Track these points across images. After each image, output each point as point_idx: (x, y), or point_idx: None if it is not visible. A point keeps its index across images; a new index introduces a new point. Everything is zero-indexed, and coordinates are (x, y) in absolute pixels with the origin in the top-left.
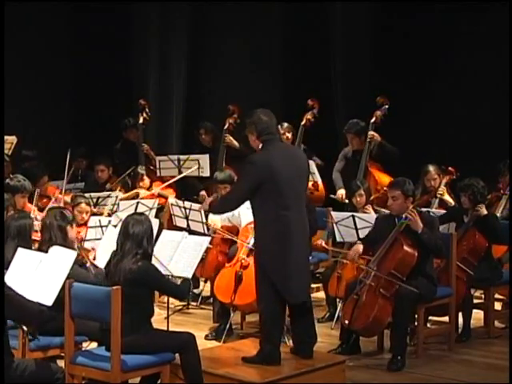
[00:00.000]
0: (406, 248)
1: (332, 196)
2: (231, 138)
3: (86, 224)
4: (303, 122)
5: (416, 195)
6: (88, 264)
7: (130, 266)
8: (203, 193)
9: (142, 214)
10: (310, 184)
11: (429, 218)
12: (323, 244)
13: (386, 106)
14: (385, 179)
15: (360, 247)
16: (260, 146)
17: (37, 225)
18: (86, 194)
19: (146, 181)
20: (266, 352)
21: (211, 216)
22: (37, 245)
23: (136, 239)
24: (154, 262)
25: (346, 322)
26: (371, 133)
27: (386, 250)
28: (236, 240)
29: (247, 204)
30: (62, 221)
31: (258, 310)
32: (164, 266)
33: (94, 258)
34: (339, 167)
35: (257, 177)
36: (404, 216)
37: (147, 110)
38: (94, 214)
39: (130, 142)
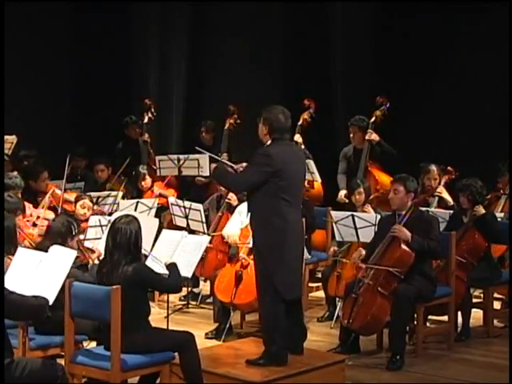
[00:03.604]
0: (403, 247)
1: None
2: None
3: (87, 220)
4: (300, 122)
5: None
6: (90, 263)
7: (124, 270)
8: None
9: (128, 215)
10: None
11: (428, 218)
12: (335, 249)
13: (386, 106)
14: (385, 179)
15: (363, 251)
16: (269, 142)
17: (30, 220)
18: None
19: (148, 180)
20: (272, 352)
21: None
22: (26, 242)
23: (125, 244)
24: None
25: (345, 321)
26: (370, 132)
27: (384, 248)
28: (240, 245)
29: None
30: (65, 231)
31: (260, 310)
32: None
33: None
34: (342, 168)
35: (270, 169)
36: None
37: (152, 109)
38: (94, 214)
39: (131, 140)
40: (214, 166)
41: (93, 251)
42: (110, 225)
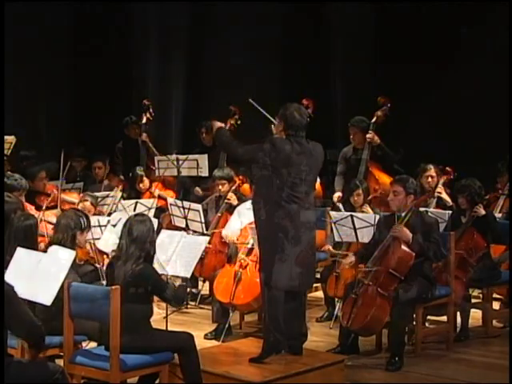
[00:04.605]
0: (403, 247)
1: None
2: None
3: None
4: None
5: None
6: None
7: (131, 269)
8: (197, 188)
9: (143, 214)
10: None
11: (428, 220)
12: (331, 249)
13: (387, 106)
14: (385, 179)
15: (353, 257)
16: (284, 137)
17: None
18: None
19: (146, 182)
20: (269, 342)
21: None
22: (42, 244)
23: (140, 242)
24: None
25: (345, 322)
26: (370, 134)
27: (385, 249)
28: (239, 244)
29: (247, 205)
30: (75, 225)
31: (262, 299)
32: (162, 266)
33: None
34: (341, 170)
35: (267, 158)
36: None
37: (151, 110)
38: (94, 214)
39: (131, 140)
40: (218, 125)
41: (107, 255)
42: (125, 221)
